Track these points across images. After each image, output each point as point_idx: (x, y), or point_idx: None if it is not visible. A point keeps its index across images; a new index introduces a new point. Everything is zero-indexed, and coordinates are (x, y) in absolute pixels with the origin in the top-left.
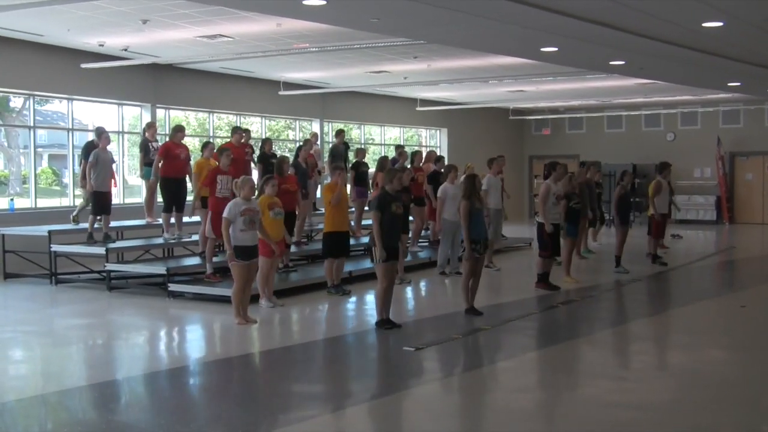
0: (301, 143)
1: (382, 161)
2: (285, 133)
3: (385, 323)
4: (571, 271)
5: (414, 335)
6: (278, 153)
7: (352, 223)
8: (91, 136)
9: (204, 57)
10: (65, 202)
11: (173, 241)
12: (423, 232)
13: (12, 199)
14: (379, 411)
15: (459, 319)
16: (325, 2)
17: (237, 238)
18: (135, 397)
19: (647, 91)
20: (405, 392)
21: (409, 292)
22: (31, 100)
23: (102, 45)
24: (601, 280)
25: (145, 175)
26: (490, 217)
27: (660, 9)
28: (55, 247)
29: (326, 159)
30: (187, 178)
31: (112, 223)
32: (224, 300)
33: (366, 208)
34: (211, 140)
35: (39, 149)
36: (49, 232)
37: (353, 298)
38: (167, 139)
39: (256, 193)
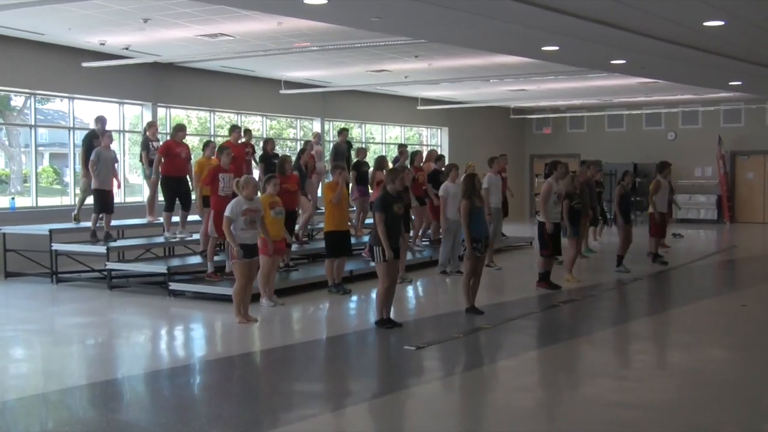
0: (303, 143)
1: (380, 160)
2: (286, 132)
3: (385, 323)
4: (572, 270)
5: (415, 334)
6: (280, 152)
7: (354, 221)
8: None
9: (205, 56)
10: (66, 201)
11: (175, 240)
12: (420, 231)
13: (13, 198)
14: (380, 410)
15: (460, 318)
16: (326, 1)
17: (238, 237)
18: (136, 396)
19: (648, 90)
20: (406, 391)
21: (410, 291)
22: (32, 99)
23: (103, 44)
24: (602, 279)
25: (148, 174)
26: (491, 216)
27: (661, 8)
28: (56, 246)
29: (327, 158)
30: (188, 177)
31: (113, 222)
32: (225, 299)
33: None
34: (212, 139)
35: (40, 148)
36: (50, 230)
37: (354, 297)
38: (168, 138)
39: (258, 193)
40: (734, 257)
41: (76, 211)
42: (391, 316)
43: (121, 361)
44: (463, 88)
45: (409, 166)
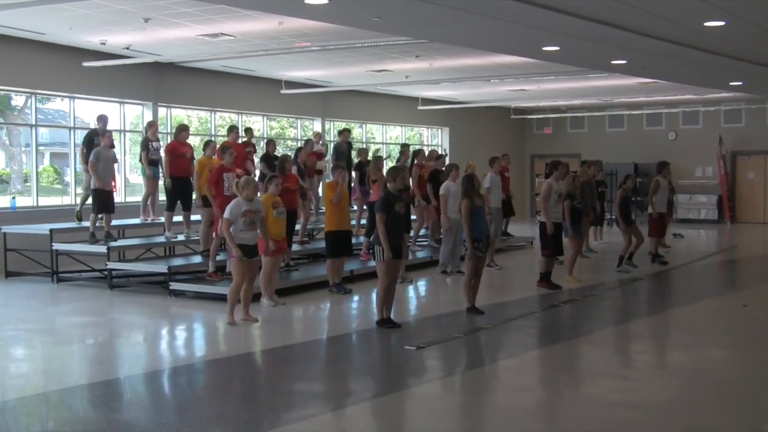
0: (304, 142)
1: (377, 160)
2: (287, 132)
3: (386, 322)
4: (573, 270)
5: (415, 334)
6: (280, 152)
7: (353, 222)
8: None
9: (206, 55)
10: (67, 200)
11: (176, 240)
12: (422, 230)
13: (14, 198)
14: (381, 410)
15: (460, 318)
16: (327, 1)
17: (238, 238)
18: (136, 396)
19: (649, 90)
20: (406, 391)
21: (410, 291)
22: (33, 99)
23: (104, 43)
24: (603, 279)
25: (149, 175)
26: (491, 216)
27: (662, 8)
28: (56, 246)
29: (329, 159)
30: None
31: (114, 222)
32: (225, 299)
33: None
34: (213, 139)
35: (41, 148)
36: (51, 230)
37: (355, 297)
38: (170, 138)
39: (258, 193)
40: (735, 257)
41: (78, 210)
42: (392, 316)
43: (122, 360)
44: (463, 88)
45: (410, 165)
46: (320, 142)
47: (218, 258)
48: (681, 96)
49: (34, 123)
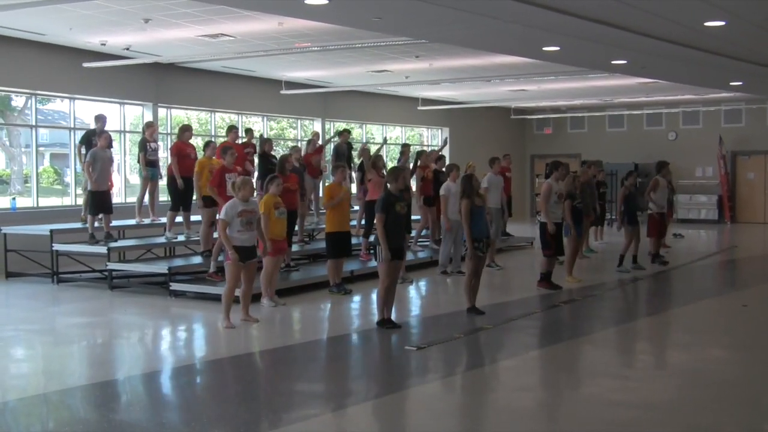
0: (307, 142)
1: (376, 160)
2: (287, 133)
3: (386, 323)
4: (573, 270)
5: (416, 334)
6: (278, 152)
7: (353, 222)
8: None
9: (206, 56)
10: (67, 201)
11: (176, 240)
12: (423, 231)
13: (14, 198)
14: (381, 410)
15: (461, 318)
16: (327, 1)
17: (234, 239)
18: (136, 397)
19: (649, 90)
20: (407, 391)
21: (410, 291)
22: (33, 99)
23: (104, 44)
24: (603, 279)
25: (146, 176)
26: (491, 216)
27: (662, 8)
28: (56, 246)
29: (329, 159)
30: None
31: (114, 222)
32: None
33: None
34: (213, 139)
35: (41, 148)
36: (51, 231)
37: (355, 298)
38: (174, 139)
39: (256, 194)
40: (735, 257)
41: (83, 213)
42: (392, 316)
43: (122, 361)
44: (463, 88)
45: (411, 165)
46: (319, 141)
47: (220, 258)
48: (681, 96)
49: (34, 124)
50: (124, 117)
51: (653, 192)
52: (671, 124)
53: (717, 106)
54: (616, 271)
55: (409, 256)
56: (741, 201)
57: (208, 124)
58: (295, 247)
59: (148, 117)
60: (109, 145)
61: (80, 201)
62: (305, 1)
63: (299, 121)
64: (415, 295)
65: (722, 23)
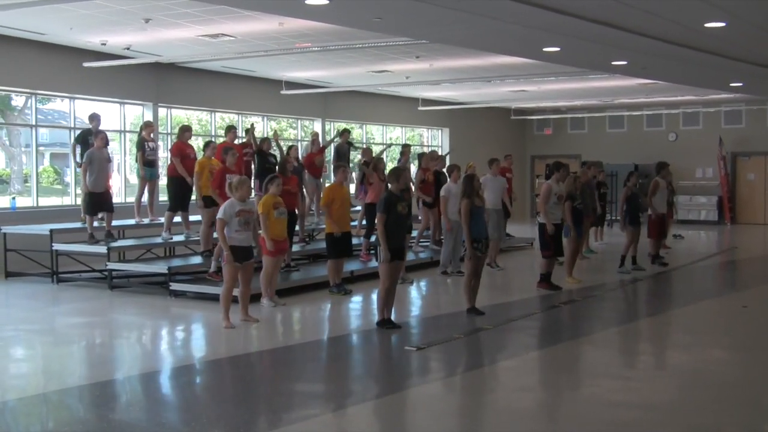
0: (309, 143)
1: (377, 163)
2: (287, 133)
3: (386, 323)
4: (573, 271)
5: (416, 335)
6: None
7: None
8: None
9: (206, 56)
10: (67, 200)
11: (171, 240)
12: (425, 231)
13: (14, 198)
14: (381, 410)
15: (461, 318)
16: (327, 2)
17: (232, 239)
18: (136, 396)
19: (649, 91)
20: (406, 392)
21: (411, 291)
22: (33, 99)
23: (104, 44)
24: (603, 280)
25: (145, 176)
26: (488, 217)
27: (662, 9)
28: (56, 246)
29: (329, 159)
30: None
31: (113, 222)
32: None
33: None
34: (213, 140)
35: (41, 148)
36: (51, 230)
37: (355, 298)
38: (174, 139)
39: (254, 194)
40: (735, 258)
41: (83, 213)
42: (392, 316)
43: (122, 361)
44: (464, 88)
45: (411, 166)
46: (320, 141)
47: (220, 258)
48: (681, 97)
49: (34, 123)
50: (124, 117)
51: (653, 195)
52: (671, 125)
53: (717, 107)
54: (617, 272)
55: (410, 256)
56: (741, 202)
57: (209, 124)
58: (295, 247)
59: (149, 117)
60: (106, 145)
61: (80, 201)
62: (305, 1)
63: (299, 121)
64: (416, 295)
65: (722, 24)
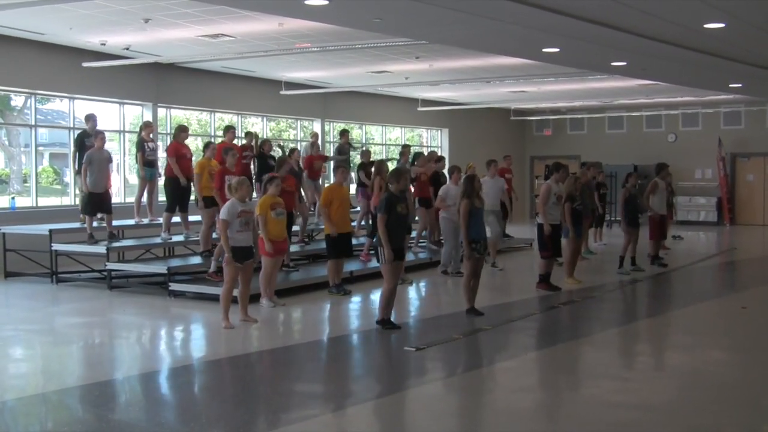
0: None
1: (380, 165)
2: (286, 134)
3: (386, 323)
4: (573, 271)
5: (415, 335)
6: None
7: (354, 223)
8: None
9: (206, 56)
10: (66, 201)
11: (170, 240)
12: (423, 232)
13: (13, 198)
14: (380, 411)
15: (460, 319)
16: (327, 2)
17: (233, 239)
18: (135, 397)
19: (648, 92)
20: (406, 392)
21: (410, 292)
22: (33, 99)
23: (104, 44)
24: (602, 281)
25: (145, 176)
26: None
27: (662, 9)
28: (56, 246)
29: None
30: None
31: (113, 222)
32: None
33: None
34: (213, 140)
35: (40, 148)
36: (50, 230)
37: (355, 298)
38: (171, 139)
39: (255, 194)
40: (734, 259)
41: (81, 214)
42: (392, 317)
43: (121, 361)
44: (463, 89)
45: (411, 166)
46: (319, 142)
47: (220, 258)
48: (680, 98)
49: (33, 123)
50: (123, 117)
51: (652, 195)
52: (671, 125)
53: (716, 108)
54: (616, 273)
55: (409, 257)
56: (740, 203)
57: (208, 124)
58: (295, 248)
59: (148, 117)
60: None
61: (79, 201)
62: (305, 2)
63: (299, 121)
64: (415, 296)
65: (722, 25)
